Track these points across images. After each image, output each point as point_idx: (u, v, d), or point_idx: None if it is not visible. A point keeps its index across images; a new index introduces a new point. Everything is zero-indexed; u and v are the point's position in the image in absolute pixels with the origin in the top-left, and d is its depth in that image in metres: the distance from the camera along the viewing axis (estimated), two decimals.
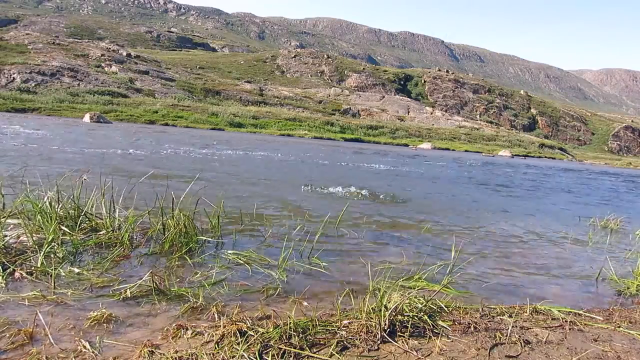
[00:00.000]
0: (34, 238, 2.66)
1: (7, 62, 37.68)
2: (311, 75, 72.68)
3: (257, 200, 5.03)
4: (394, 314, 1.93)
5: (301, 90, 60.12)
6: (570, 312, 2.35)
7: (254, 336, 1.73)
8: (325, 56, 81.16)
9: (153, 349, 1.64)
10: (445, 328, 1.99)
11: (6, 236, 2.64)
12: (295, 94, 56.23)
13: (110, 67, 45.25)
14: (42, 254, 2.43)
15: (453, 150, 40.75)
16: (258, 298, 2.27)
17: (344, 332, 1.87)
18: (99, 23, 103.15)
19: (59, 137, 12.49)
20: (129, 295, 2.13)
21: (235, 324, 1.81)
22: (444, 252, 3.52)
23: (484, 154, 38.75)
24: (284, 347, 1.69)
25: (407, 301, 2.05)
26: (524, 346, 1.89)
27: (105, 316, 1.88)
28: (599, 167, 38.60)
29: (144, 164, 7.84)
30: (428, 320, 1.98)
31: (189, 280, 2.44)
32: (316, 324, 1.88)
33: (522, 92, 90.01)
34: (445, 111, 67.71)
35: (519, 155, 42.46)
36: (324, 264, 2.88)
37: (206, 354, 1.60)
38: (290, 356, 1.66)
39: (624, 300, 2.80)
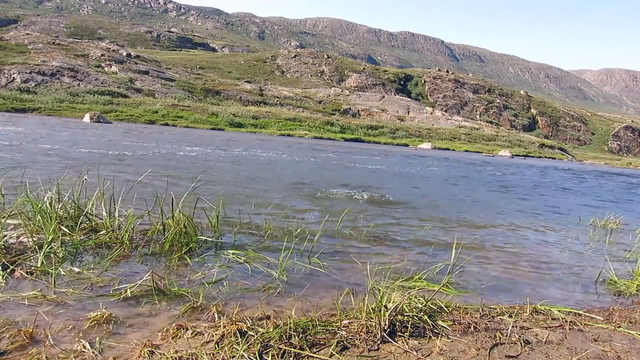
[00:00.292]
0: (34, 238, 2.66)
1: (7, 62, 37.68)
2: (311, 75, 72.68)
3: (257, 200, 5.03)
4: (394, 314, 1.93)
5: (301, 90, 60.11)
6: (570, 312, 2.35)
7: (254, 336, 1.73)
8: (325, 56, 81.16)
9: (153, 349, 1.64)
10: (445, 328, 1.99)
11: (6, 236, 2.64)
12: (295, 94, 56.23)
13: (110, 67, 45.25)
14: (42, 254, 2.43)
15: (453, 150, 40.75)
16: (258, 298, 2.27)
17: (344, 332, 1.87)
18: (99, 23, 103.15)
19: (51, 137, 12.48)
20: (129, 295, 2.13)
21: (235, 324, 1.81)
22: (444, 252, 3.52)
23: (484, 154, 38.75)
24: (284, 347, 1.69)
25: (407, 301, 2.05)
26: (524, 346, 1.89)
27: (105, 316, 1.88)
28: (599, 167, 38.60)
29: (150, 164, 7.84)
30: (428, 320, 1.98)
31: (189, 280, 2.44)
32: (316, 324, 1.88)
33: (522, 92, 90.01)
34: (445, 111, 67.71)
35: (519, 155, 42.46)
36: (324, 263, 2.88)
37: (206, 354, 1.60)
38: (290, 356, 1.66)
39: (624, 300, 2.80)
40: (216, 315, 1.99)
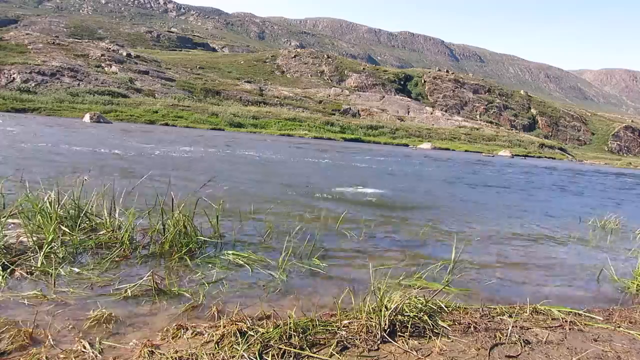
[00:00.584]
0: (34, 238, 2.66)
1: (7, 62, 37.67)
2: (311, 75, 72.65)
3: (257, 200, 5.03)
4: (394, 314, 1.93)
5: (301, 90, 60.10)
6: (570, 312, 2.35)
7: (254, 336, 1.73)
8: (325, 56, 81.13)
9: (153, 349, 1.63)
10: (445, 328, 1.99)
11: (6, 236, 2.64)
12: (295, 94, 56.22)
13: (110, 67, 45.24)
14: (42, 254, 2.43)
15: (453, 150, 40.75)
16: (258, 297, 2.27)
17: (344, 332, 1.87)
18: (99, 23, 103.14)
19: (50, 136, 12.48)
20: (129, 295, 2.13)
21: (235, 324, 1.81)
22: (444, 251, 3.52)
23: (484, 154, 38.74)
24: (284, 347, 1.69)
25: (407, 301, 2.05)
26: (524, 346, 1.89)
27: (105, 316, 1.88)
28: (599, 167, 38.59)
29: (154, 164, 7.84)
30: (428, 320, 1.98)
31: (189, 280, 2.44)
32: (316, 324, 1.88)
33: (522, 92, 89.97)
34: (445, 111, 67.69)
35: (519, 155, 42.46)
36: (324, 264, 2.88)
37: (206, 354, 1.60)
38: (290, 356, 1.66)
39: (624, 300, 2.80)
40: (216, 315, 1.99)
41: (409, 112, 59.64)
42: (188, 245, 2.92)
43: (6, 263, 2.33)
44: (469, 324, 2.05)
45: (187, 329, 1.81)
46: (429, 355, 1.75)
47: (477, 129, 56.27)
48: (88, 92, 36.26)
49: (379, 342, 1.82)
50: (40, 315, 1.85)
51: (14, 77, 35.87)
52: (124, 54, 51.64)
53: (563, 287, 2.94)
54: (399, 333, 1.89)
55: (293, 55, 78.67)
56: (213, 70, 64.78)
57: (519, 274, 3.13)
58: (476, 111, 74.97)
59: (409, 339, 1.86)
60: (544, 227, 5.14)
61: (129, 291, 2.15)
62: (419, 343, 1.84)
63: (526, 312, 2.29)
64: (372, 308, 1.99)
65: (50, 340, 1.67)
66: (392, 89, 72.81)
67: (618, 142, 75.91)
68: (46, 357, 1.56)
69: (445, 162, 19.61)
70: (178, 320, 1.91)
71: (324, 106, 53.61)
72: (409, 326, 1.93)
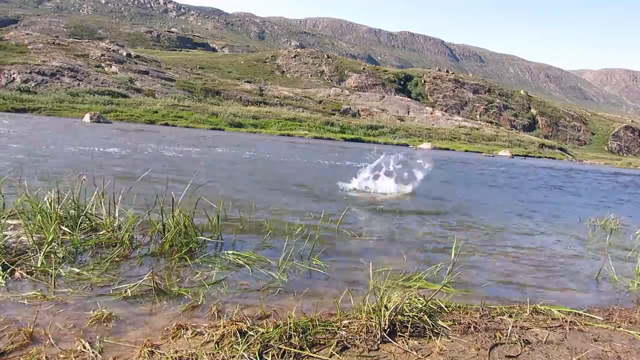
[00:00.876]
0: (34, 238, 2.66)
1: (7, 62, 37.68)
2: (311, 75, 72.66)
3: (257, 200, 5.03)
4: (394, 314, 1.93)
5: (301, 90, 60.11)
6: (570, 312, 2.35)
7: (254, 336, 1.73)
8: (325, 56, 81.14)
9: (153, 349, 1.63)
10: (445, 328, 1.99)
11: (6, 236, 2.64)
12: (295, 94, 56.23)
13: (110, 67, 45.25)
14: (42, 254, 2.43)
15: (453, 150, 40.75)
16: (258, 297, 2.27)
17: (344, 332, 1.87)
18: (99, 23, 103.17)
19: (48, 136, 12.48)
20: (129, 295, 2.13)
21: (235, 324, 1.81)
22: (444, 251, 3.52)
23: (484, 154, 38.75)
24: (284, 347, 1.69)
25: (407, 301, 2.05)
26: (524, 346, 1.89)
27: (105, 316, 1.88)
28: (599, 167, 38.59)
29: (154, 165, 7.84)
30: (428, 320, 1.98)
31: (189, 280, 2.44)
32: (316, 324, 1.88)
33: (522, 92, 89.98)
34: (445, 111, 67.70)
35: (519, 155, 42.47)
36: (324, 264, 2.88)
37: (206, 354, 1.60)
38: (290, 356, 1.66)
39: (624, 300, 2.80)
40: (216, 315, 1.99)
41: (409, 112, 59.65)
42: (188, 245, 2.92)
43: (6, 263, 2.33)
44: (469, 324, 2.05)
45: (187, 329, 1.81)
46: (429, 355, 1.75)
47: (477, 129, 56.29)
48: (88, 92, 36.28)
49: (379, 342, 1.82)
50: (40, 314, 1.85)
51: (14, 77, 35.88)
52: (124, 54, 51.65)
53: (563, 287, 2.94)
54: (399, 333, 1.89)
55: (293, 55, 78.68)
56: (213, 70, 64.80)
57: (519, 274, 3.13)
58: (476, 111, 74.99)
59: (409, 339, 1.86)
60: (544, 227, 5.14)
61: (129, 291, 2.15)
62: (419, 343, 1.84)
63: (526, 312, 2.29)
64: (372, 308, 1.99)
65: (51, 339, 1.67)
66: (392, 89, 72.83)
67: (618, 142, 75.93)
68: (46, 357, 1.56)
69: (445, 162, 19.61)
70: (178, 320, 1.91)
71: (324, 106, 53.63)
72: (409, 326, 1.93)
